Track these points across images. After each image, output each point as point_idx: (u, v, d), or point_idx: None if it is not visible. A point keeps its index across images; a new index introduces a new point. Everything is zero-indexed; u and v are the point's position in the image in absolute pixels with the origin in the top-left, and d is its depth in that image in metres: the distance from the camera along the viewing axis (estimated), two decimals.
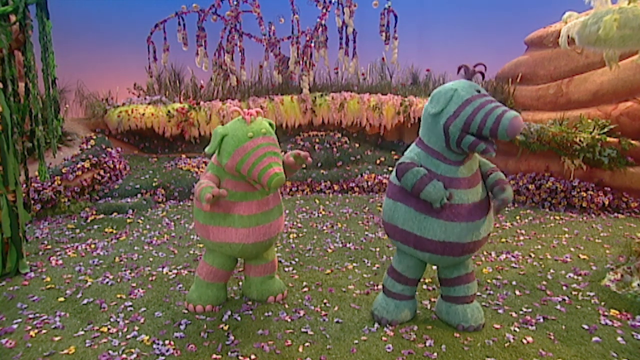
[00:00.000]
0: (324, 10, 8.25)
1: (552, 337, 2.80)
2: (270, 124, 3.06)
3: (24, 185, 4.32)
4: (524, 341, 2.74)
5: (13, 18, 3.90)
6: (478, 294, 3.45)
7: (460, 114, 2.52)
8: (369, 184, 7.36)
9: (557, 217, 5.65)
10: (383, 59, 9.03)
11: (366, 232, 5.09)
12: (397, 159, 7.93)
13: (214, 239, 3.03)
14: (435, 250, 2.71)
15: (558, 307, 3.21)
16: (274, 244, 3.36)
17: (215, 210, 2.96)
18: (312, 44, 8.44)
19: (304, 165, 3.08)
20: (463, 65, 2.73)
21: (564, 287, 3.55)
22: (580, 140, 5.83)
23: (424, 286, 3.61)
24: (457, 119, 2.52)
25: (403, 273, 2.95)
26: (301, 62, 8.46)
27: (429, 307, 3.24)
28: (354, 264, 4.12)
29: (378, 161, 7.98)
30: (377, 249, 4.51)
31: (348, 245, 4.65)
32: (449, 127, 2.56)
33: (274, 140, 2.93)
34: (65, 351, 2.69)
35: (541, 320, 3.02)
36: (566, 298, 3.35)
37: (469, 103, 2.52)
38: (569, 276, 3.76)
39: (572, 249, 4.45)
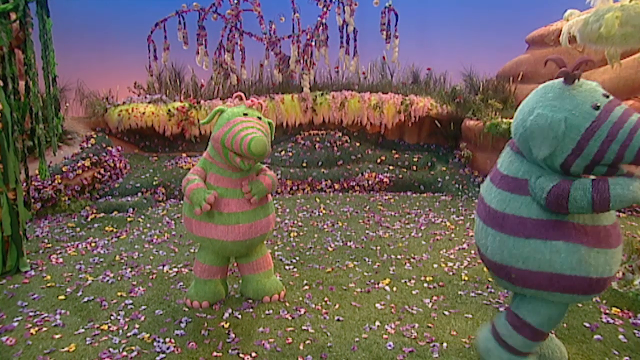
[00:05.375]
0: (325, 9, 8.23)
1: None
2: (269, 124, 3.11)
3: (24, 184, 4.32)
4: None
5: (13, 16, 3.90)
6: (479, 292, 3.45)
7: (584, 151, 1.93)
8: (370, 182, 7.35)
9: None
10: (384, 57, 9.01)
11: (367, 231, 5.09)
12: (398, 158, 7.96)
13: (197, 233, 3.09)
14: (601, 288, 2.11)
15: None
16: (264, 241, 3.36)
17: None
18: (313, 43, 8.43)
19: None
20: (556, 62, 2.13)
21: None
22: None
23: (425, 284, 3.61)
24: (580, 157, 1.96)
25: (540, 327, 2.24)
26: (302, 61, 8.45)
27: (429, 305, 3.24)
28: (355, 263, 4.11)
29: (379, 160, 7.98)
30: (378, 248, 4.50)
31: (349, 243, 4.65)
32: (570, 168, 2.02)
33: (267, 128, 3.02)
34: (66, 349, 2.70)
35: None
36: None
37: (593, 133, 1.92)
38: None
39: None
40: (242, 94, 3.11)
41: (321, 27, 8.32)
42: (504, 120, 6.74)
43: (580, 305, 3.20)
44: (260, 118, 3.00)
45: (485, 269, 3.90)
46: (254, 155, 2.80)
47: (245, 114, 2.93)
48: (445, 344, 2.70)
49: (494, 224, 2.20)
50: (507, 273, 2.21)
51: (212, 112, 3.04)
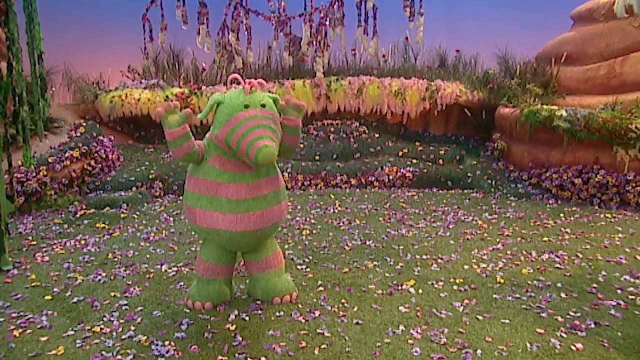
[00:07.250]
0: None
1: (607, 345, 2.74)
2: (275, 100, 3.07)
3: (7, 174, 4.36)
4: (573, 348, 2.69)
5: None
6: (517, 296, 3.40)
7: None
8: (391, 178, 7.32)
9: (609, 216, 5.54)
10: (407, 38, 8.98)
11: (388, 230, 5.06)
12: (422, 151, 7.91)
13: (201, 224, 3.07)
14: None
15: (612, 312, 3.14)
16: (274, 236, 3.36)
17: (202, 191, 3.01)
18: (327, 22, 8.40)
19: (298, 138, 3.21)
20: None
21: (619, 291, 3.47)
22: (636, 128, 5.72)
23: (455, 287, 3.57)
24: None
25: None
26: (315, 43, 8.44)
27: (461, 309, 3.20)
28: (375, 263, 4.09)
29: (401, 153, 7.94)
30: (401, 247, 4.47)
31: (368, 242, 4.63)
32: None
33: (273, 115, 2.96)
34: (54, 352, 2.71)
35: (592, 325, 2.96)
36: (622, 303, 3.28)
37: None
38: (625, 279, 3.69)
39: (627, 250, 4.36)
40: (239, 76, 3.05)
41: (337, 5, 8.29)
42: (545, 107, 6.65)
43: (637, 312, 3.14)
44: (264, 106, 2.93)
45: (524, 271, 3.85)
46: (261, 166, 2.87)
47: (247, 106, 2.89)
48: (479, 351, 2.66)
49: None
50: None
51: (209, 104, 3.02)
